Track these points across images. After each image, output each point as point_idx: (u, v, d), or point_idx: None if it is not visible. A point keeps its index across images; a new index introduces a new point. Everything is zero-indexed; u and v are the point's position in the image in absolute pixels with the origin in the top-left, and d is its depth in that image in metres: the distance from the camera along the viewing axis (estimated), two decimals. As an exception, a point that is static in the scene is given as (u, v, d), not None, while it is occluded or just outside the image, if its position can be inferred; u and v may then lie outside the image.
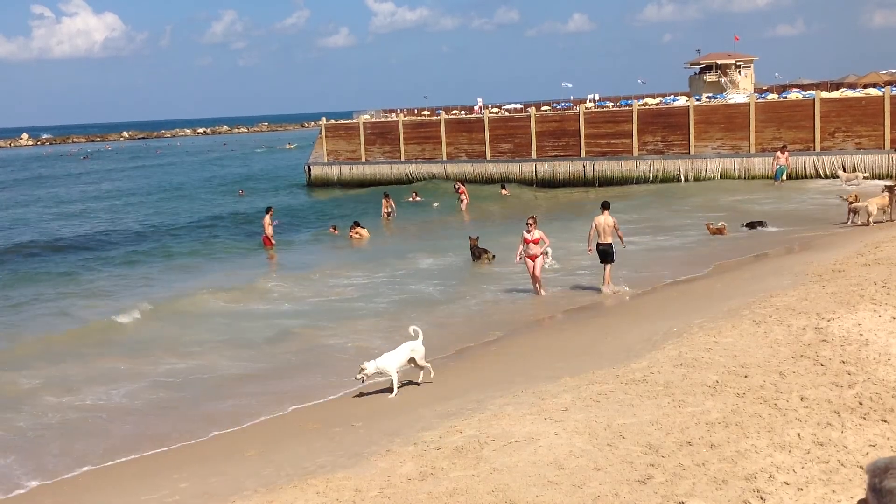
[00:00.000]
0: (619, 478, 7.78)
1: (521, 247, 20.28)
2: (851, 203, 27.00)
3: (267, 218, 32.44)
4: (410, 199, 44.01)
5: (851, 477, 7.39)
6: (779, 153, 41.42)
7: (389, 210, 39.01)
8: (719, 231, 27.14)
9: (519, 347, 15.72)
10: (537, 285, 20.12)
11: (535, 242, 19.86)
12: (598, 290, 20.14)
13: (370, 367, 13.21)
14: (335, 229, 34.89)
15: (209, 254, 31.93)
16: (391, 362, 13.37)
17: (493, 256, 24.88)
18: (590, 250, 20.41)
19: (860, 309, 12.40)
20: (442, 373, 14.12)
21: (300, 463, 10.01)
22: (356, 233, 32.90)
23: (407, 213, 40.06)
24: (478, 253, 25.21)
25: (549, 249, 21.34)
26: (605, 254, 20.01)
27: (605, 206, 20.52)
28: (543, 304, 19.54)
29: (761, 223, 27.68)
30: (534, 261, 19.87)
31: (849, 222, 26.63)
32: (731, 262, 22.68)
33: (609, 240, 19.96)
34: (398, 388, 13.34)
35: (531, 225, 20.03)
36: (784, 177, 41.00)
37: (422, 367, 13.76)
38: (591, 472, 7.96)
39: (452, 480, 8.10)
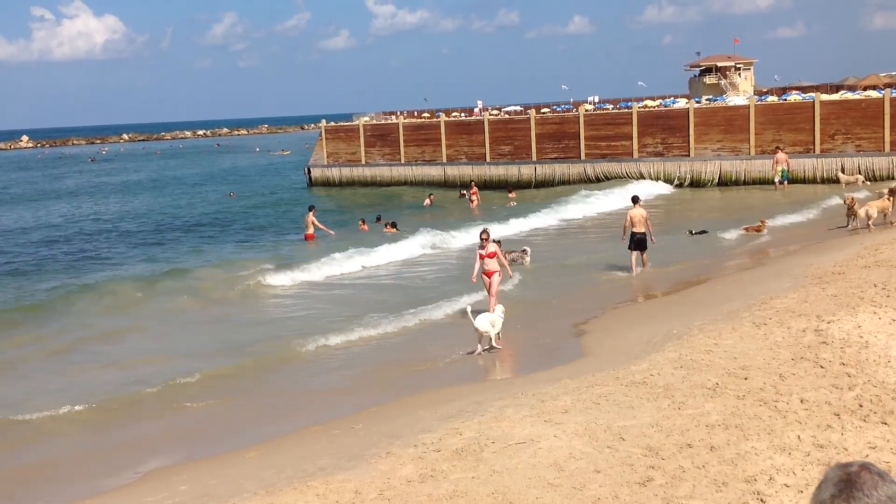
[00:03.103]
0: (619, 480, 7.78)
1: (476, 264, 18.79)
2: (850, 205, 26.97)
3: (311, 216, 33.35)
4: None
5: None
6: (776, 155, 41.41)
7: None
8: (757, 229, 27.40)
9: (518, 349, 15.71)
10: (493, 301, 18.38)
11: (491, 257, 18.55)
12: (628, 271, 22.11)
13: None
14: (364, 223, 35.13)
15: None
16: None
17: None
18: (623, 239, 22.48)
19: (860, 311, 12.39)
20: (441, 373, 14.11)
21: (300, 465, 10.00)
22: (389, 231, 33.16)
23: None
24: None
25: (527, 248, 24.36)
26: (641, 242, 22.25)
27: (636, 199, 23.06)
28: (542, 304, 19.52)
29: (704, 233, 27.75)
30: (490, 277, 18.62)
31: (848, 225, 26.60)
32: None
33: (642, 229, 22.21)
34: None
35: (485, 240, 18.67)
36: (779, 178, 41.00)
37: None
38: (591, 474, 7.96)
39: (452, 482, 8.10)
